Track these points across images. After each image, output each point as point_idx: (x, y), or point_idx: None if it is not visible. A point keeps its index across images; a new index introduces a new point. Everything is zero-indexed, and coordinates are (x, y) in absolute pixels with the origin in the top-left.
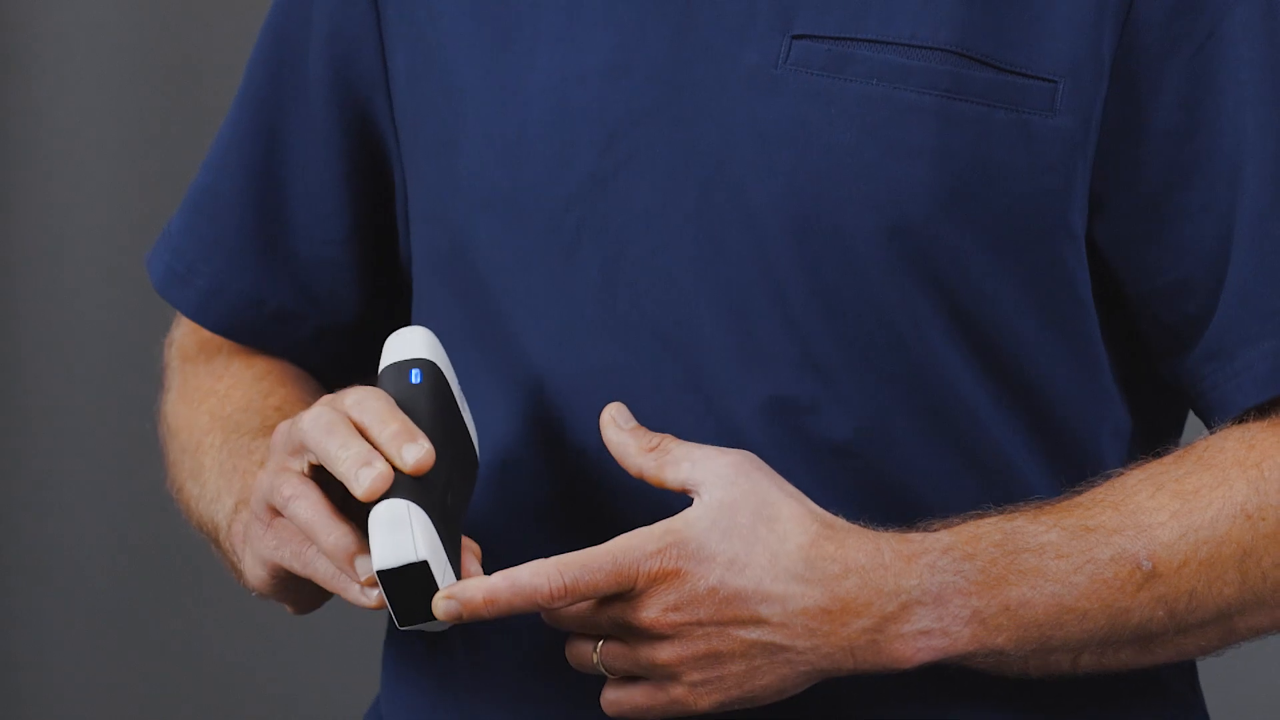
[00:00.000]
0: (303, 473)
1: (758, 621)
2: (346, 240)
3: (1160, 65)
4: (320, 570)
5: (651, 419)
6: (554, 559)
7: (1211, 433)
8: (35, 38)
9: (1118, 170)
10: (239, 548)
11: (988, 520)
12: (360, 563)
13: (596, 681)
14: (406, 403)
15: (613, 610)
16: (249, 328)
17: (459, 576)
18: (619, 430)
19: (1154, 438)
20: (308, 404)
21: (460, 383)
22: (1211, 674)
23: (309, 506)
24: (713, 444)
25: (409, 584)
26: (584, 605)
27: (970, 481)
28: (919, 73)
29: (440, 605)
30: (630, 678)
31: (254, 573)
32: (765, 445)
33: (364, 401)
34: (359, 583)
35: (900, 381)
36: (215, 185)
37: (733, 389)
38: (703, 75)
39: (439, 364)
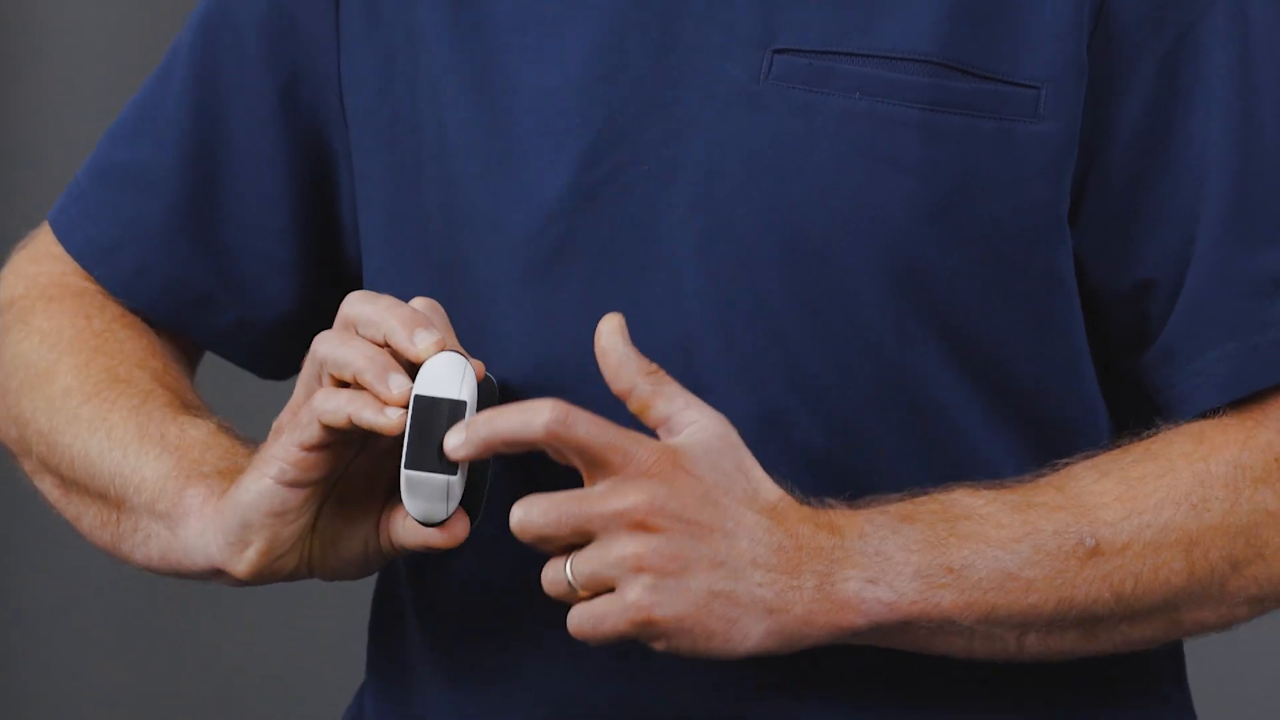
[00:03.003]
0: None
1: (730, 538)
2: (282, 233)
3: (1130, 69)
4: (355, 404)
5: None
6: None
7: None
8: (35, 38)
9: (1088, 172)
10: (182, 514)
11: (923, 495)
12: (395, 377)
13: (581, 666)
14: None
15: (593, 499)
16: (170, 308)
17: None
18: (622, 342)
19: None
20: (196, 393)
21: None
22: (1200, 673)
23: (349, 340)
24: None
25: (435, 425)
26: (567, 499)
27: None
28: (902, 85)
29: (451, 440)
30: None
31: (251, 499)
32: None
33: (374, 298)
34: (383, 399)
35: (888, 396)
36: (147, 159)
37: (719, 404)
38: (685, 91)
39: (494, 382)
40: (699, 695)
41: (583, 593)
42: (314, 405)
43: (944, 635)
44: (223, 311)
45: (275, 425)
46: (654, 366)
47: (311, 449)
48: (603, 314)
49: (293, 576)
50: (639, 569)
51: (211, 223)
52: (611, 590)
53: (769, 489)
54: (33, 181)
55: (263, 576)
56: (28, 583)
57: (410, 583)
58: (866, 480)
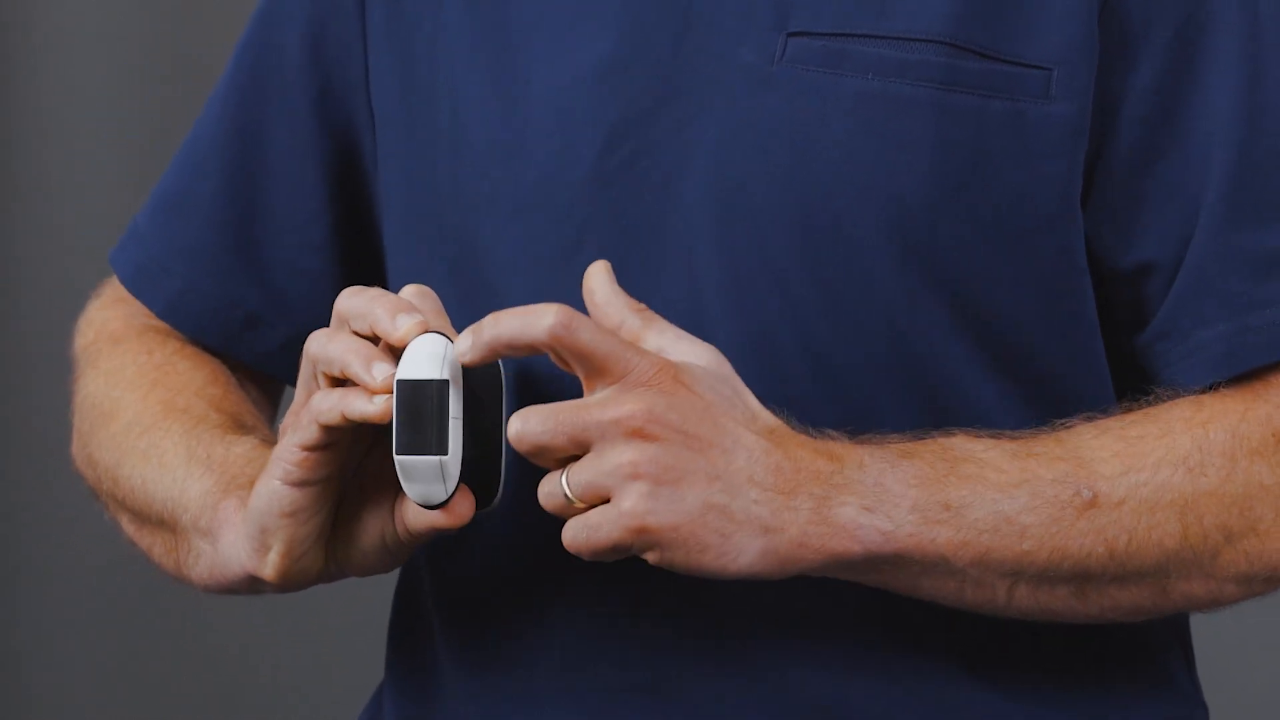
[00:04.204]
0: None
1: (726, 452)
2: (323, 247)
3: (1137, 49)
4: (346, 400)
5: None
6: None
7: None
8: (35, 38)
9: (1094, 153)
10: (219, 526)
11: (925, 437)
12: (379, 365)
13: (602, 657)
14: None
15: (591, 408)
16: (219, 331)
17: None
18: (608, 279)
19: None
20: (257, 416)
21: None
22: (1211, 670)
23: (336, 336)
24: None
25: (421, 406)
26: (564, 408)
27: None
28: (914, 66)
29: (460, 344)
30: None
31: (263, 502)
32: None
33: (363, 291)
34: (368, 389)
35: (903, 375)
36: (191, 185)
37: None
38: (701, 75)
39: (502, 372)
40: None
41: (579, 504)
42: (311, 406)
43: (936, 575)
44: (270, 331)
45: (281, 427)
46: (642, 305)
47: (312, 449)
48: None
49: (326, 577)
50: (635, 476)
51: (255, 243)
52: (607, 501)
53: (766, 415)
54: (33, 181)
55: (291, 579)
56: (28, 583)
57: (430, 576)
58: None
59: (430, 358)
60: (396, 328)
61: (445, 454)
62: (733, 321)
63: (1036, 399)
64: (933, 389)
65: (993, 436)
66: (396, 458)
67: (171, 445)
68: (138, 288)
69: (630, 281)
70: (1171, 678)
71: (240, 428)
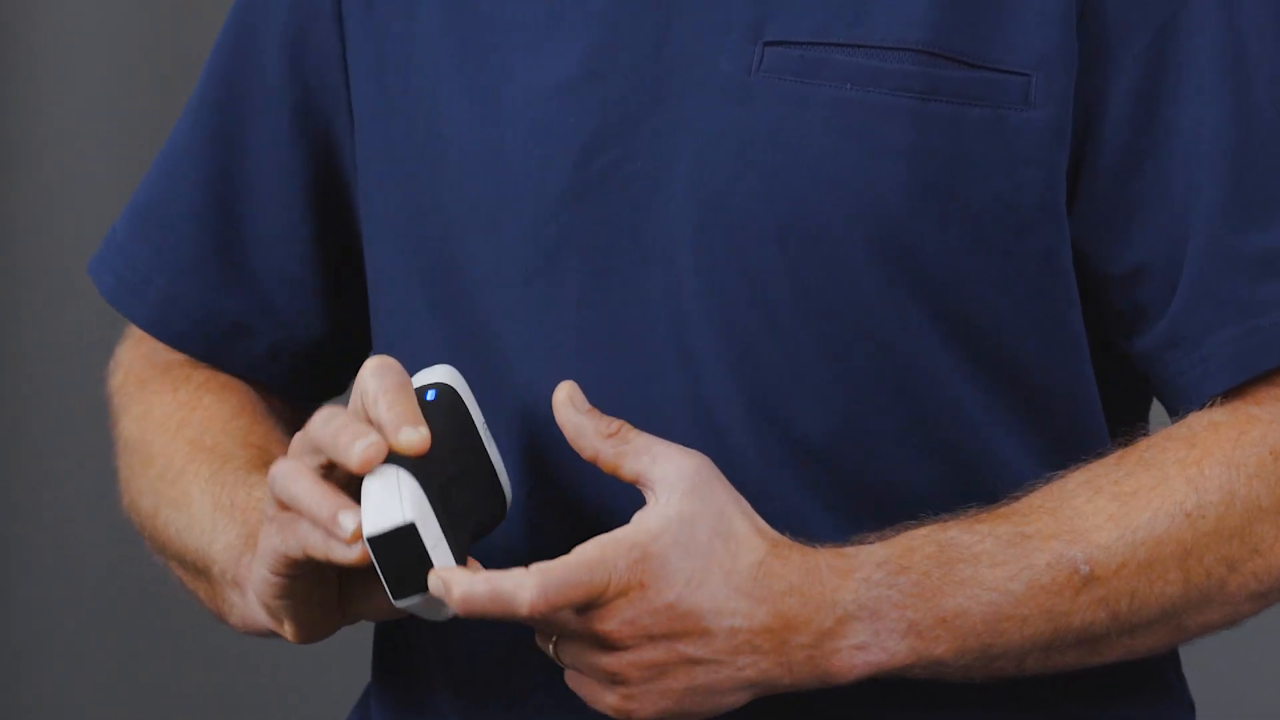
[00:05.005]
0: (314, 469)
1: (705, 635)
2: (306, 253)
3: (1117, 52)
4: (313, 541)
5: (637, 425)
6: (535, 572)
7: (1175, 420)
8: (35, 38)
9: (1078, 157)
10: (244, 580)
11: (921, 532)
12: (345, 518)
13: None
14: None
15: (573, 618)
16: (203, 340)
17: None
18: (574, 412)
19: (1126, 423)
20: (285, 444)
21: None
22: (1196, 668)
23: (299, 478)
24: (697, 446)
25: (400, 552)
26: (559, 615)
27: (956, 481)
28: (892, 74)
29: (431, 581)
30: None
31: (258, 586)
32: (749, 446)
33: (368, 380)
34: (342, 540)
35: (886, 383)
36: (170, 195)
37: (718, 394)
38: (679, 85)
39: (459, 390)
40: None
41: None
42: (273, 545)
43: (939, 671)
44: (255, 339)
45: (292, 446)
46: (613, 426)
47: (282, 572)
48: (602, 310)
49: (352, 622)
50: (614, 681)
51: (237, 251)
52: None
53: (750, 548)
54: (33, 181)
55: (314, 638)
56: (29, 583)
57: None
58: (865, 468)
59: (388, 499)
60: (352, 455)
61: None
62: (713, 332)
63: (1022, 404)
64: (917, 397)
65: (988, 519)
66: (397, 603)
67: (198, 493)
68: (118, 299)
69: (610, 294)
70: (1158, 677)
71: (266, 463)
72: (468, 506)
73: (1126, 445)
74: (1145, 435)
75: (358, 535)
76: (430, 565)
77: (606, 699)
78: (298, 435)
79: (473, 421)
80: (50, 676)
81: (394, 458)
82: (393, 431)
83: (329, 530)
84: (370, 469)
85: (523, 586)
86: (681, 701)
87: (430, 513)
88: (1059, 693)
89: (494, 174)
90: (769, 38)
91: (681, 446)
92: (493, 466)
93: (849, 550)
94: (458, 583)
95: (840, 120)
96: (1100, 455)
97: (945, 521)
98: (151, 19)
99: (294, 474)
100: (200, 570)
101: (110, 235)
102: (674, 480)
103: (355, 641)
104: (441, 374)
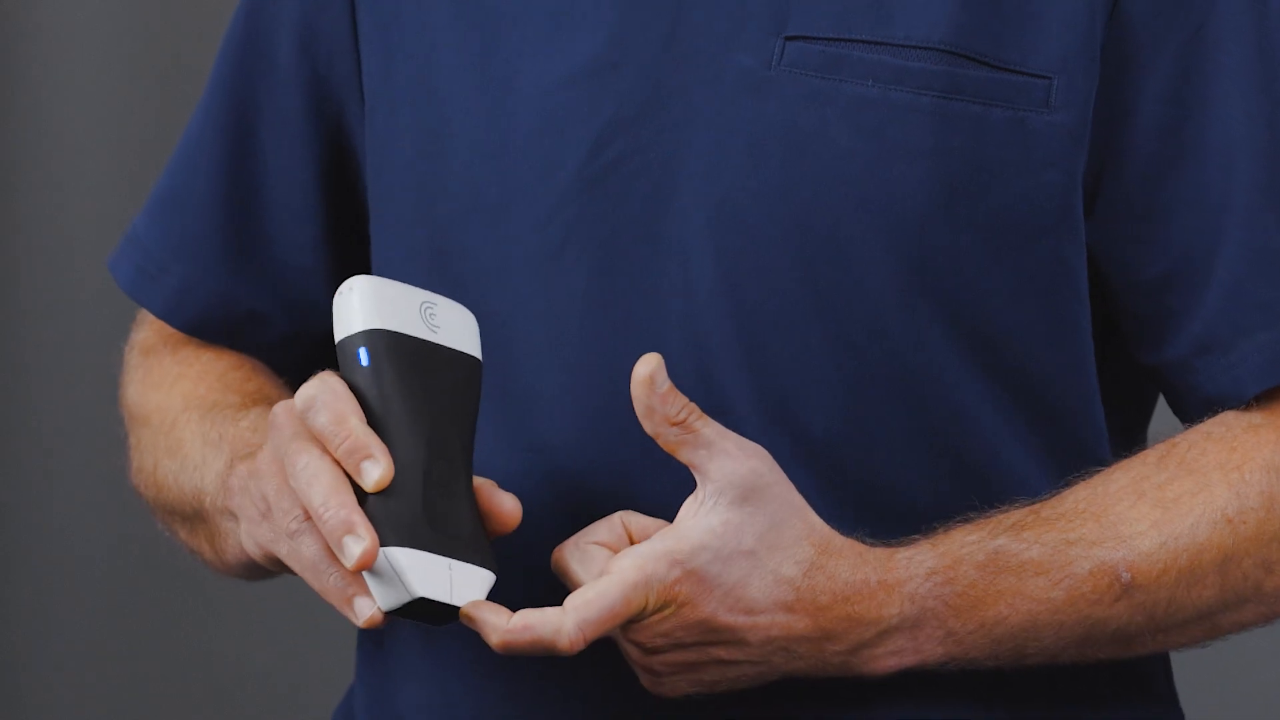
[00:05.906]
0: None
1: (740, 644)
2: (319, 245)
3: (1147, 58)
4: (332, 597)
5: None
6: (572, 611)
7: (1188, 427)
8: (35, 38)
9: (1105, 163)
10: (234, 500)
11: (972, 538)
12: (360, 605)
13: (573, 675)
14: (360, 390)
15: (616, 631)
16: (219, 327)
17: (480, 548)
18: (647, 391)
19: (1125, 431)
20: (282, 395)
21: None
22: (1187, 672)
23: (312, 544)
24: None
25: (420, 610)
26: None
27: (958, 484)
28: (914, 73)
29: (464, 619)
30: None
31: (255, 554)
32: (755, 440)
33: (315, 410)
34: (360, 624)
35: (896, 383)
36: (185, 185)
37: (729, 389)
38: (693, 78)
39: (381, 324)
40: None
41: None
42: (288, 558)
43: (968, 665)
44: (269, 327)
45: (302, 406)
46: (682, 413)
47: (282, 570)
48: (610, 302)
49: None
50: (648, 670)
51: (251, 239)
52: None
53: (796, 558)
54: (33, 181)
55: None
56: (29, 583)
57: None
58: (868, 467)
59: (389, 589)
60: (349, 558)
61: (462, 603)
62: (723, 326)
63: (1027, 410)
64: (924, 398)
65: (1035, 526)
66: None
67: (190, 435)
68: (135, 289)
69: (619, 287)
70: (1149, 682)
71: (258, 404)
72: (450, 452)
73: (1131, 455)
74: (1144, 448)
75: (374, 621)
76: (456, 610)
77: (641, 678)
78: (279, 407)
79: (409, 337)
80: (50, 677)
81: (371, 499)
82: (355, 471)
83: (344, 611)
84: (364, 566)
85: (561, 631)
86: (717, 686)
87: (433, 564)
88: (1054, 695)
89: (503, 163)
90: (790, 32)
91: (744, 442)
92: (444, 349)
93: (900, 556)
94: (493, 628)
95: (860, 118)
96: (1102, 463)
97: (995, 521)
98: (151, 19)
99: (301, 530)
100: (197, 512)
101: (130, 230)
102: (724, 485)
103: (343, 641)
104: (357, 313)
